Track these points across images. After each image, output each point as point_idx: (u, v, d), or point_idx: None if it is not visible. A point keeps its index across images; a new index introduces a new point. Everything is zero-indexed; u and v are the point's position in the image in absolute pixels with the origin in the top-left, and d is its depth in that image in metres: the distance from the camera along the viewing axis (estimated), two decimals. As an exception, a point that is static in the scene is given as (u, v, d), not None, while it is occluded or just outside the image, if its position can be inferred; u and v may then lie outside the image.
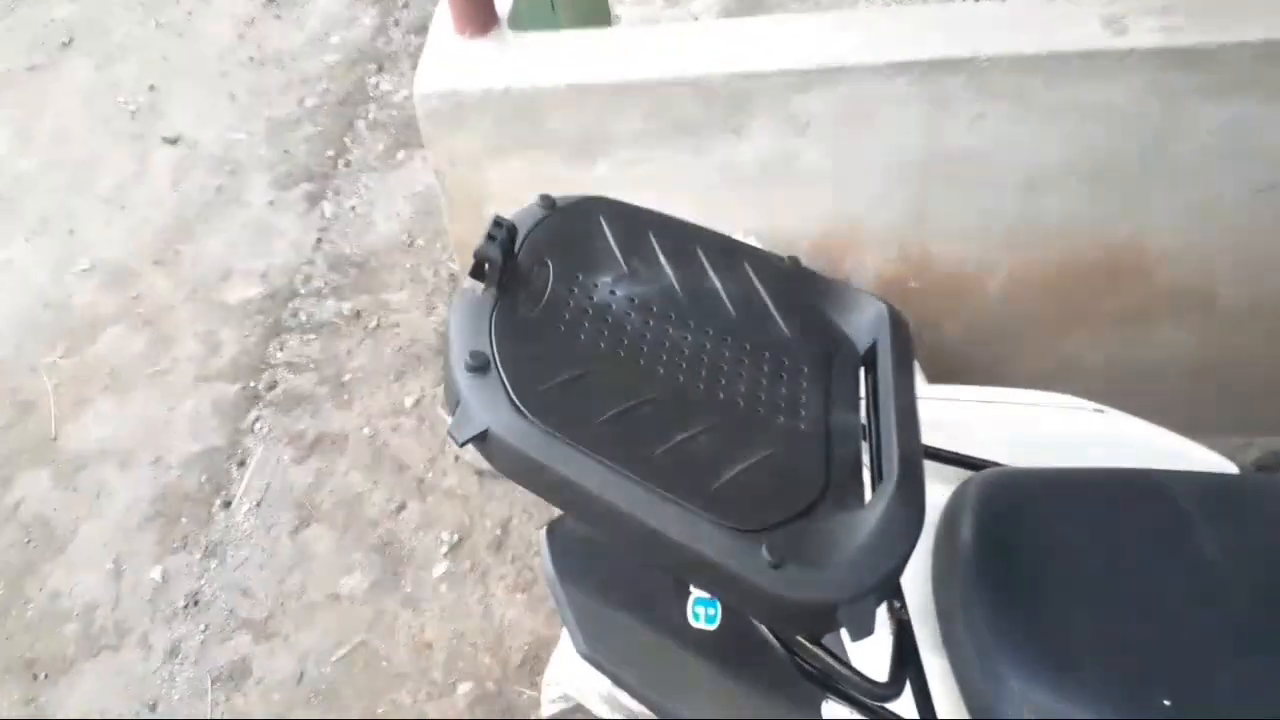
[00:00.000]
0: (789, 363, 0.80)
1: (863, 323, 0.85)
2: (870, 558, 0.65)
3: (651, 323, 0.79)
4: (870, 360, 0.83)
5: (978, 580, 0.84)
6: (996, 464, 1.00)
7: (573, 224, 0.85)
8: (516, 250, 0.79)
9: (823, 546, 0.65)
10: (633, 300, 0.80)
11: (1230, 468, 1.02)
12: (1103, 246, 1.58)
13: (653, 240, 0.85)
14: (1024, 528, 0.88)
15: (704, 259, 0.85)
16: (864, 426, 0.78)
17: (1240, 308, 1.61)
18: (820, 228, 1.59)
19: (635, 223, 0.86)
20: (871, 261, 1.63)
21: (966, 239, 1.59)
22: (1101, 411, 1.21)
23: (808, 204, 1.56)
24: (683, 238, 0.86)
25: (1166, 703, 0.74)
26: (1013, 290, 1.64)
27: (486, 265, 0.76)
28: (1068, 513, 0.90)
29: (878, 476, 0.72)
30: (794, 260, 0.89)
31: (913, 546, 0.67)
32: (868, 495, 0.71)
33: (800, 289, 0.86)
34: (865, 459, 0.76)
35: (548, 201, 0.86)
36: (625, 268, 0.82)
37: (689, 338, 0.79)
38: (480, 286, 0.77)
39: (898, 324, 0.83)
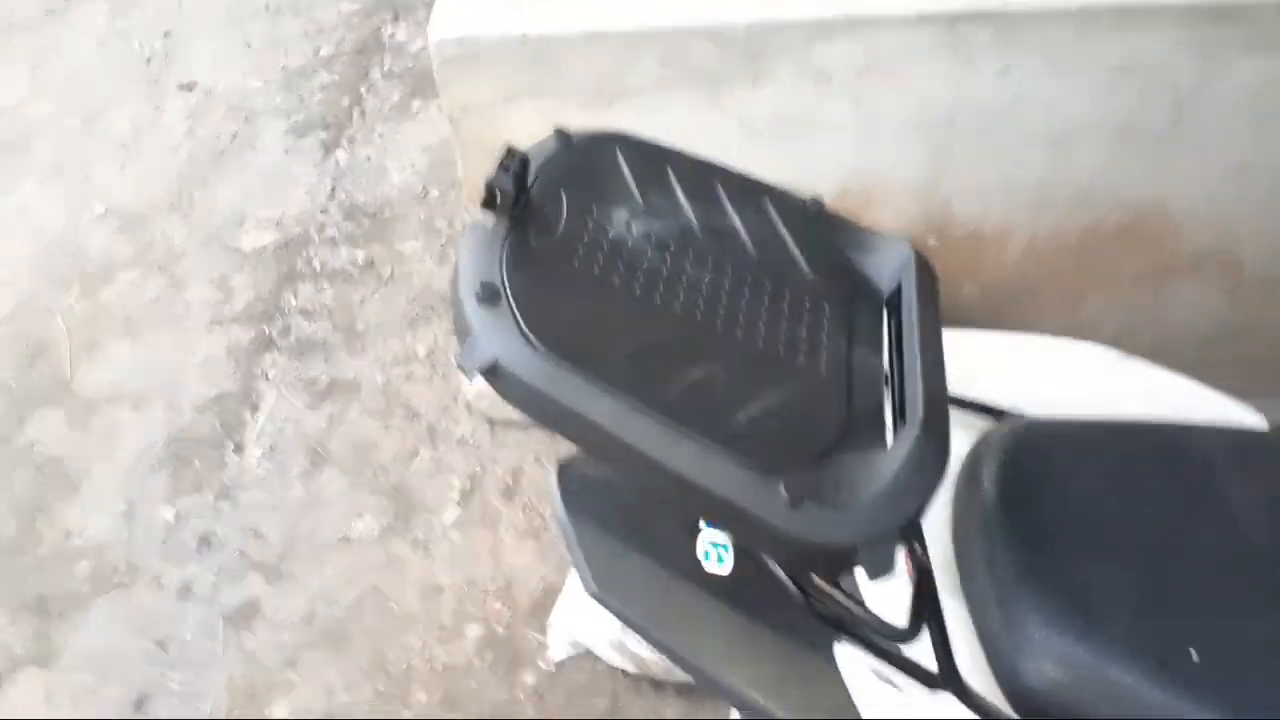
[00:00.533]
0: (810, 303, 0.78)
1: (887, 266, 0.83)
2: (891, 498, 0.64)
3: (669, 259, 0.78)
4: (894, 303, 0.81)
5: (1001, 530, 0.84)
6: (1017, 411, 1.00)
7: (589, 158, 0.84)
8: (530, 183, 0.78)
9: (842, 487, 0.64)
10: (650, 236, 0.79)
11: (1260, 422, 1.01)
12: (1126, 208, 1.56)
13: (671, 177, 0.83)
14: (1049, 479, 0.87)
15: (724, 197, 0.84)
16: (887, 370, 0.77)
17: (1264, 273, 1.60)
18: (839, 182, 1.57)
19: (653, 159, 0.85)
20: (890, 218, 1.61)
21: (988, 198, 1.57)
22: (1125, 359, 1.20)
23: (826, 158, 1.54)
24: (702, 175, 0.85)
25: (1194, 656, 0.73)
26: (1033, 251, 1.63)
27: (498, 196, 0.74)
28: (1094, 464, 0.89)
29: (900, 419, 0.71)
30: (817, 201, 0.87)
31: (935, 488, 0.66)
32: (890, 438, 0.70)
33: (823, 230, 0.85)
34: (888, 402, 0.75)
35: (563, 136, 0.84)
36: (642, 204, 0.81)
37: (707, 276, 0.78)
38: (492, 218, 0.76)
39: (924, 268, 0.82)
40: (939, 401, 0.70)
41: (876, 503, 0.63)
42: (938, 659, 0.80)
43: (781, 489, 0.63)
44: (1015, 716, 0.78)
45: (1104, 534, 0.82)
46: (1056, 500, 0.85)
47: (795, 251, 0.81)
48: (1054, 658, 0.75)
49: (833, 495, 0.64)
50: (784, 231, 0.82)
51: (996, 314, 1.73)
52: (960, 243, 1.62)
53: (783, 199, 0.85)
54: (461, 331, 0.70)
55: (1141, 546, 0.81)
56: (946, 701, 0.79)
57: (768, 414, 0.68)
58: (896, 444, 0.68)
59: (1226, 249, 1.59)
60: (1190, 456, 0.88)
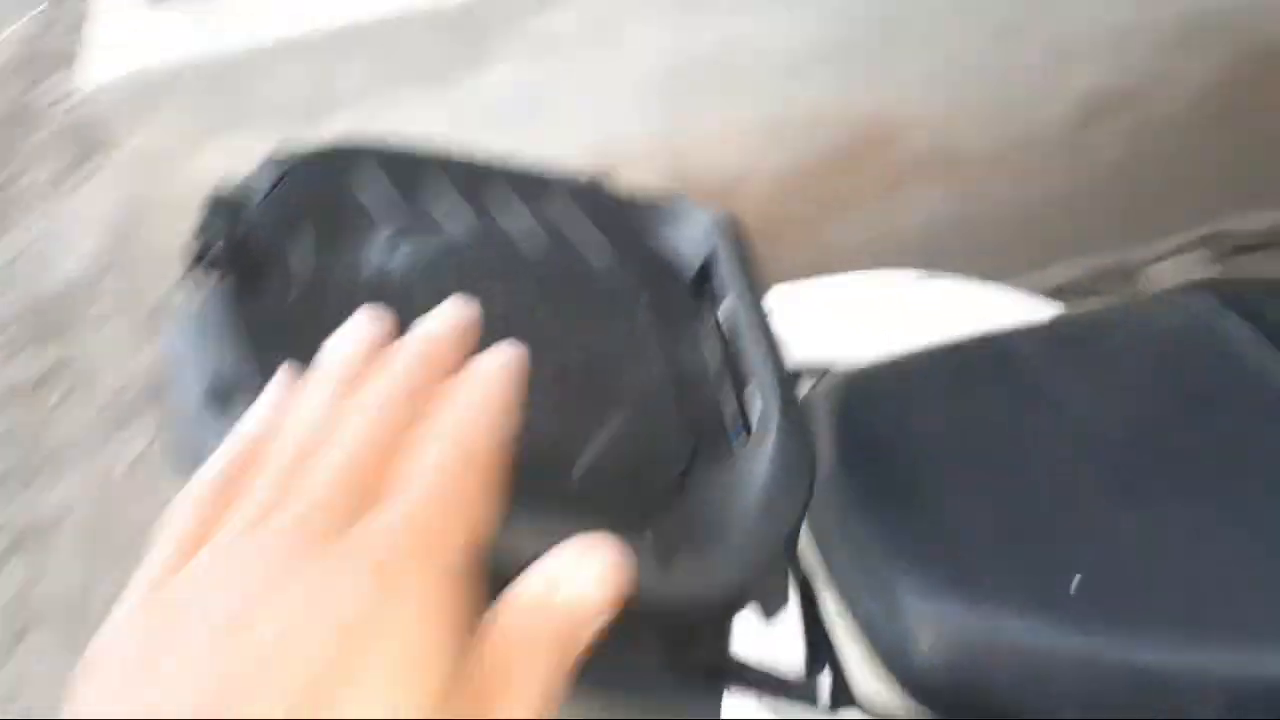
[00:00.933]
0: (614, 303, 0.64)
1: (691, 238, 0.69)
2: (768, 516, 0.51)
3: (443, 288, 0.58)
4: (704, 280, 0.69)
5: (849, 500, 0.75)
6: (831, 365, 0.92)
7: (324, 178, 0.64)
8: (248, 230, 0.59)
9: (712, 520, 0.51)
10: (416, 262, 0.62)
11: (1053, 308, 1.00)
12: (854, 127, 1.59)
13: (430, 183, 0.67)
14: (882, 430, 0.80)
15: (497, 196, 0.68)
16: (716, 364, 0.65)
17: (985, 157, 1.69)
18: (580, 153, 1.49)
19: (403, 165, 0.67)
20: (636, 180, 1.55)
21: (725, 142, 1.55)
22: (925, 278, 1.19)
23: (564, 131, 1.45)
24: (467, 174, 0.69)
25: (1077, 577, 0.67)
26: (773, 186, 1.63)
27: (210, 256, 0.56)
28: (921, 402, 0.82)
29: (742, 418, 0.60)
30: (595, 180, 0.73)
31: (810, 489, 0.54)
32: (737, 444, 0.58)
33: (612, 213, 0.70)
34: (725, 403, 0.63)
35: (280, 162, 0.64)
36: (401, 223, 0.64)
37: (495, 298, 0.60)
38: (207, 286, 0.57)
39: (732, 231, 0.69)
40: (788, 387, 0.58)
41: (755, 526, 0.51)
42: (833, 679, 0.69)
43: (646, 548, 0.48)
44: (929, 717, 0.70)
45: (953, 473, 0.76)
46: (896, 452, 0.78)
47: (587, 245, 0.67)
48: (939, 630, 0.67)
49: (705, 533, 0.50)
50: (572, 224, 0.68)
51: (755, 257, 1.73)
52: (706, 192, 1.59)
53: (564, 186, 0.72)
54: (189, 449, 0.50)
55: (993, 474, 0.75)
56: None
57: (604, 456, 0.55)
58: (751, 449, 0.55)
59: (949, 143, 1.66)
60: (1011, 364, 0.82)
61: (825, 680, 0.68)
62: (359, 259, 0.58)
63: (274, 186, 0.62)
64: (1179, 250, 1.91)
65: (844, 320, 1.11)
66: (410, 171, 0.66)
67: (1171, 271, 1.89)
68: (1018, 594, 0.66)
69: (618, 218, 0.69)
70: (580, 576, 0.32)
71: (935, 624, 0.67)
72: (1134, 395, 0.79)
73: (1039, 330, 0.86)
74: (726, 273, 0.64)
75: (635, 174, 1.55)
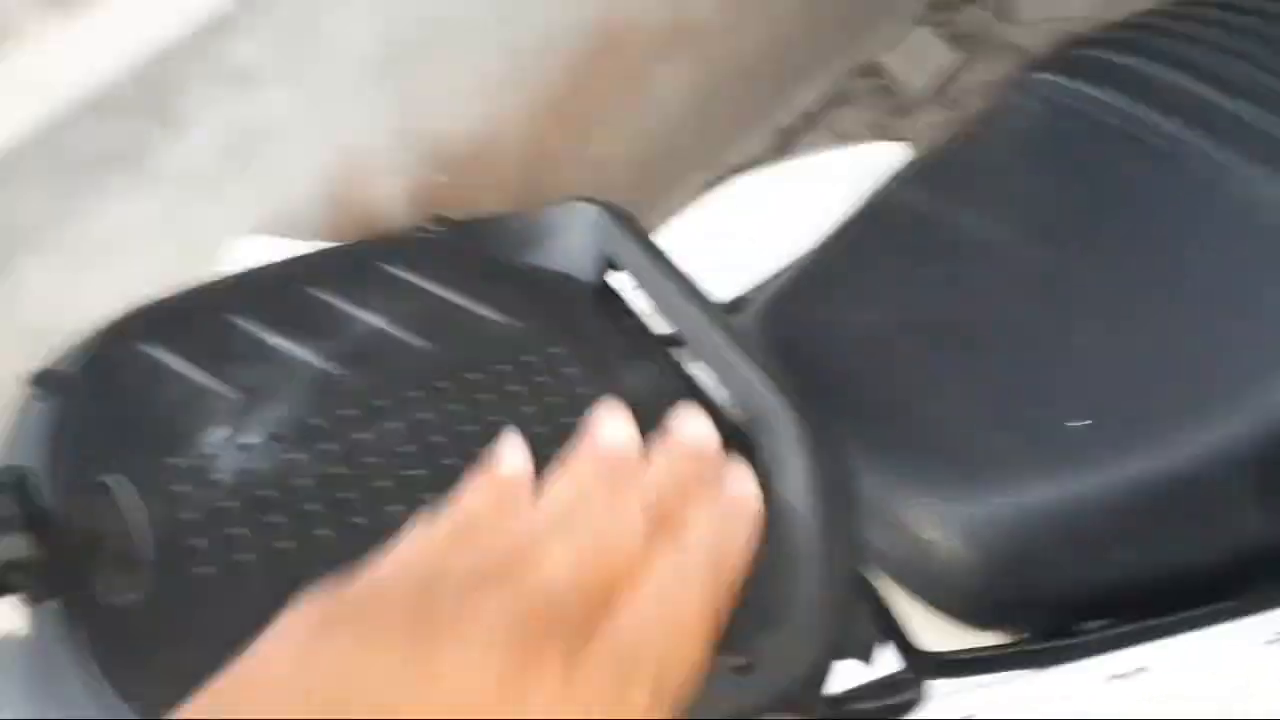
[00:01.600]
0: (537, 365, 0.49)
1: (581, 246, 0.56)
2: (831, 565, 0.40)
3: (330, 448, 0.43)
4: (605, 290, 0.56)
5: None
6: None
7: (116, 391, 0.46)
8: (44, 505, 0.40)
9: (766, 587, 0.38)
10: (279, 443, 0.43)
11: (905, 149, 0.87)
12: (586, 49, 1.45)
13: (248, 328, 0.48)
14: (820, 343, 0.70)
15: (339, 303, 0.52)
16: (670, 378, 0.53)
17: (714, 27, 1.59)
18: (325, 167, 1.28)
19: (207, 320, 0.49)
20: (401, 184, 1.36)
21: (469, 110, 1.38)
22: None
23: (298, 165, 1.24)
24: (289, 297, 0.50)
25: (1079, 423, 0.60)
26: (528, 139, 1.47)
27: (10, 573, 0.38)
28: (843, 299, 0.71)
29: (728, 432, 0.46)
30: (440, 219, 0.57)
31: (855, 489, 0.44)
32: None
33: (473, 255, 0.55)
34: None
35: (50, 379, 0.45)
36: (235, 398, 0.45)
37: (400, 425, 0.44)
38: (27, 612, 0.38)
39: (620, 220, 0.56)
40: (782, 380, 0.47)
41: (820, 583, 0.40)
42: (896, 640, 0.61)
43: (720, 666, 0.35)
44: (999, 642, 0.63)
45: (902, 359, 0.67)
46: (840, 361, 0.68)
47: (472, 306, 0.52)
48: (957, 529, 0.58)
49: (771, 614, 0.38)
50: (440, 291, 0.53)
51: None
52: (468, 167, 1.42)
53: (407, 250, 0.56)
54: None
55: (938, 343, 0.66)
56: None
57: None
58: (780, 460, 0.43)
59: (679, 22, 1.55)
60: (904, 224, 0.74)
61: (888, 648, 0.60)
62: (200, 476, 0.41)
63: (58, 433, 0.44)
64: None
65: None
66: (214, 321, 0.48)
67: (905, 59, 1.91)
68: (1015, 456, 0.58)
69: (493, 253, 0.54)
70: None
71: (951, 525, 0.58)
72: (1031, 205, 0.71)
73: (910, 179, 0.77)
74: (634, 266, 0.52)
75: (395, 174, 1.36)
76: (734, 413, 0.46)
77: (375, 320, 0.47)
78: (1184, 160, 0.67)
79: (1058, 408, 0.59)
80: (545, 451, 0.36)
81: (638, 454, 0.35)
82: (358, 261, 0.51)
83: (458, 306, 0.49)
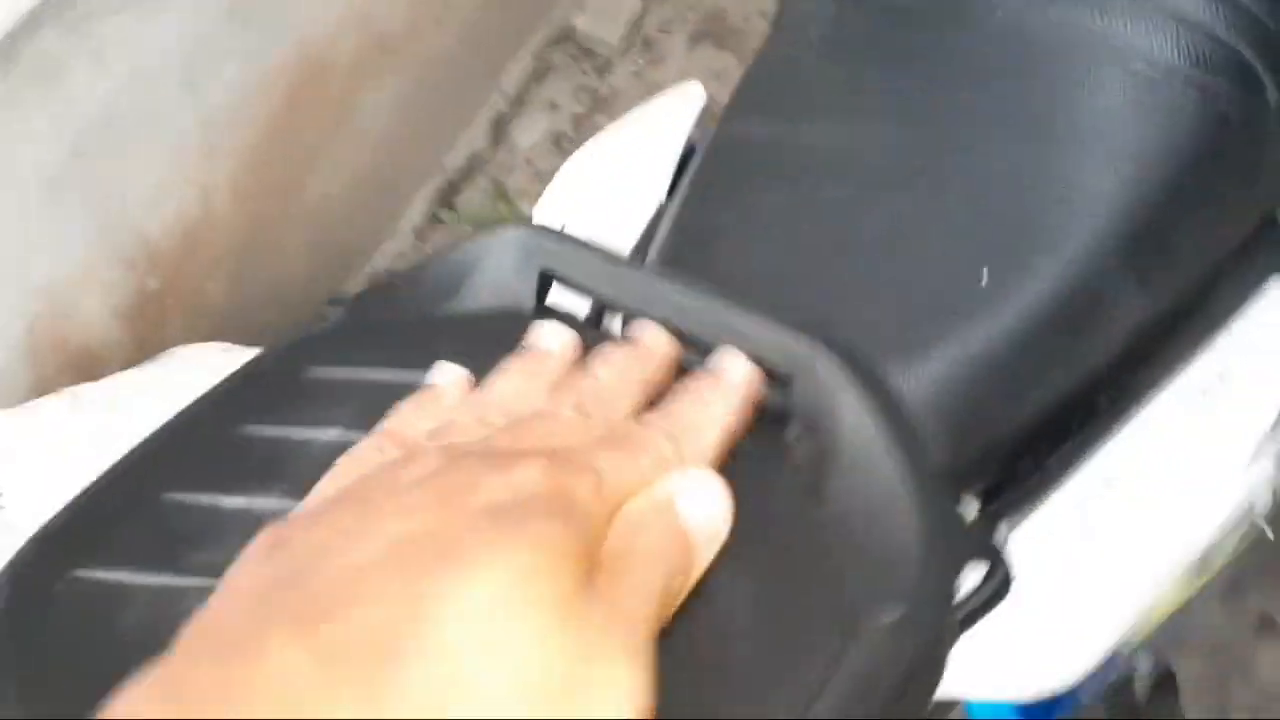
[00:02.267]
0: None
1: (508, 274, 0.46)
2: (921, 482, 0.36)
3: None
4: (547, 313, 0.47)
5: None
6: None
7: (64, 644, 0.35)
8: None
9: (873, 532, 0.35)
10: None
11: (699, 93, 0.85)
12: (283, 95, 1.27)
13: (192, 500, 0.38)
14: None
15: (281, 432, 0.40)
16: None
17: (403, 31, 1.46)
18: (17, 335, 1.07)
19: (137, 513, 0.38)
20: (113, 306, 1.16)
21: (171, 197, 1.18)
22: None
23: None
24: (223, 447, 0.40)
25: (985, 270, 0.61)
26: (239, 208, 1.28)
27: None
28: (717, 233, 0.70)
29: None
30: (338, 300, 0.50)
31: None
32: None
33: (403, 315, 0.47)
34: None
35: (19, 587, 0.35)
36: (213, 583, 0.36)
37: None
38: None
39: (552, 234, 0.48)
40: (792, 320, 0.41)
41: (914, 490, 0.35)
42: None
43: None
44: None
45: (781, 296, 0.63)
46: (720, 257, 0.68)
47: (419, 382, 0.44)
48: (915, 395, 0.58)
49: (882, 548, 0.35)
50: (382, 376, 0.43)
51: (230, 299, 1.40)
52: (181, 259, 1.23)
53: (316, 347, 0.46)
54: None
55: (808, 262, 0.65)
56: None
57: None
58: (829, 397, 0.38)
59: (374, 42, 1.40)
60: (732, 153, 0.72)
61: None
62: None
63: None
64: None
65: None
66: (146, 529, 0.38)
67: None
68: (935, 323, 0.59)
69: (399, 339, 0.46)
70: (701, 497, 0.31)
71: (909, 395, 0.58)
72: (854, 99, 0.70)
73: (738, 113, 0.74)
74: (584, 270, 0.45)
75: (93, 291, 1.15)
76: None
77: (329, 434, 0.39)
78: (967, 10, 0.68)
79: (960, 267, 0.60)
80: None
81: (572, 356, 0.37)
82: (278, 379, 0.43)
83: (401, 384, 0.40)
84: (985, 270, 0.58)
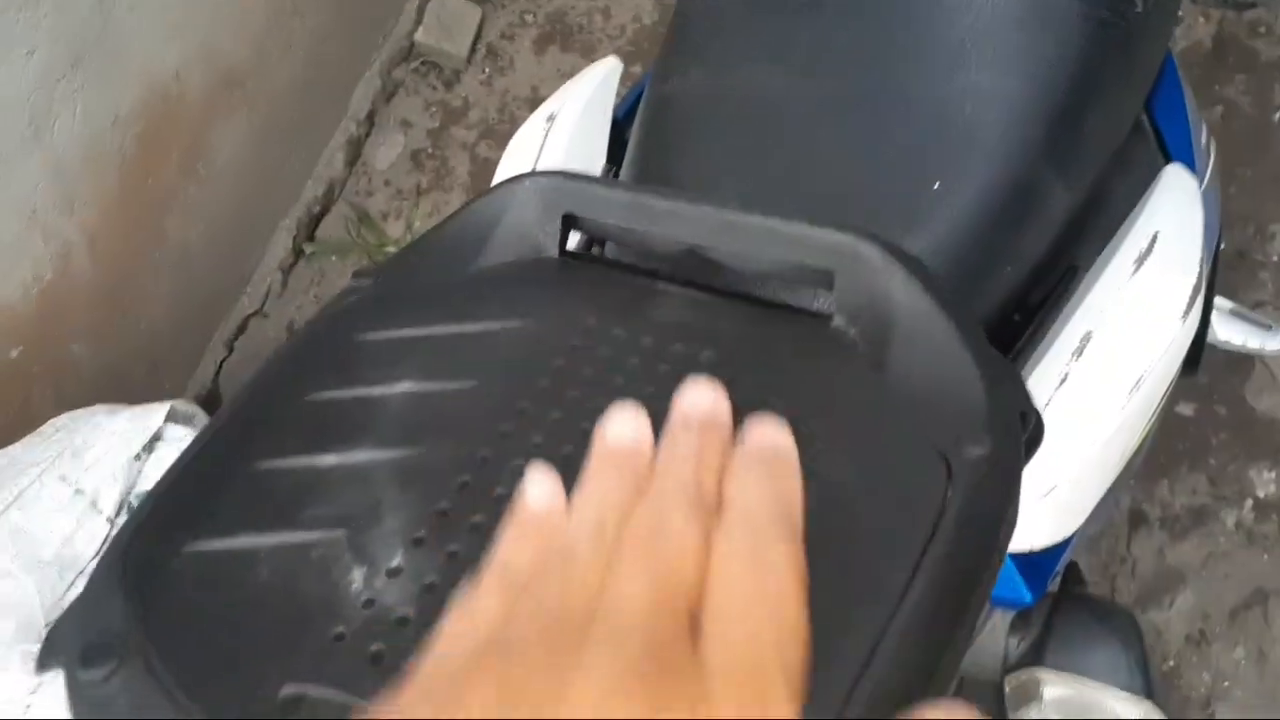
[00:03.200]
0: (587, 344, 0.42)
1: (530, 223, 0.47)
2: (977, 345, 0.39)
3: (472, 520, 0.38)
4: (574, 255, 0.50)
5: None
6: None
7: (194, 619, 0.35)
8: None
9: (949, 391, 0.38)
10: (420, 545, 0.35)
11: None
12: (135, 140, 1.21)
13: (286, 465, 0.38)
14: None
15: (352, 393, 0.41)
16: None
17: (247, 68, 1.40)
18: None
19: (235, 483, 0.38)
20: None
21: (24, 258, 1.10)
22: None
23: None
24: (300, 414, 0.40)
25: (937, 183, 0.68)
26: (98, 264, 1.21)
27: None
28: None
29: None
30: (363, 271, 0.47)
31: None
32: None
33: (435, 274, 0.48)
34: None
35: (98, 650, 0.32)
36: (339, 536, 0.36)
37: (506, 467, 0.38)
38: None
39: (573, 176, 0.49)
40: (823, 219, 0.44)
41: (975, 353, 0.39)
42: None
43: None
44: None
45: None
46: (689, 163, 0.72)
47: (473, 330, 0.43)
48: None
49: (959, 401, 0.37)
50: (433, 330, 0.42)
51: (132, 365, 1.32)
52: (42, 323, 1.15)
53: (360, 314, 0.44)
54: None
55: (772, 195, 0.70)
56: None
57: None
58: (877, 282, 0.41)
59: (221, 73, 1.34)
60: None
61: None
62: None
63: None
64: None
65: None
66: (249, 497, 0.37)
67: None
68: (904, 220, 0.65)
69: (437, 295, 0.46)
70: None
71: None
72: (783, 39, 0.75)
73: (673, 69, 0.77)
74: (612, 204, 0.46)
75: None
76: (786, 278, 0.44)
77: (401, 388, 0.39)
78: None
79: (911, 177, 0.65)
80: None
81: (649, 446, 0.32)
82: (332, 349, 0.42)
83: (461, 335, 0.41)
84: (938, 182, 0.64)
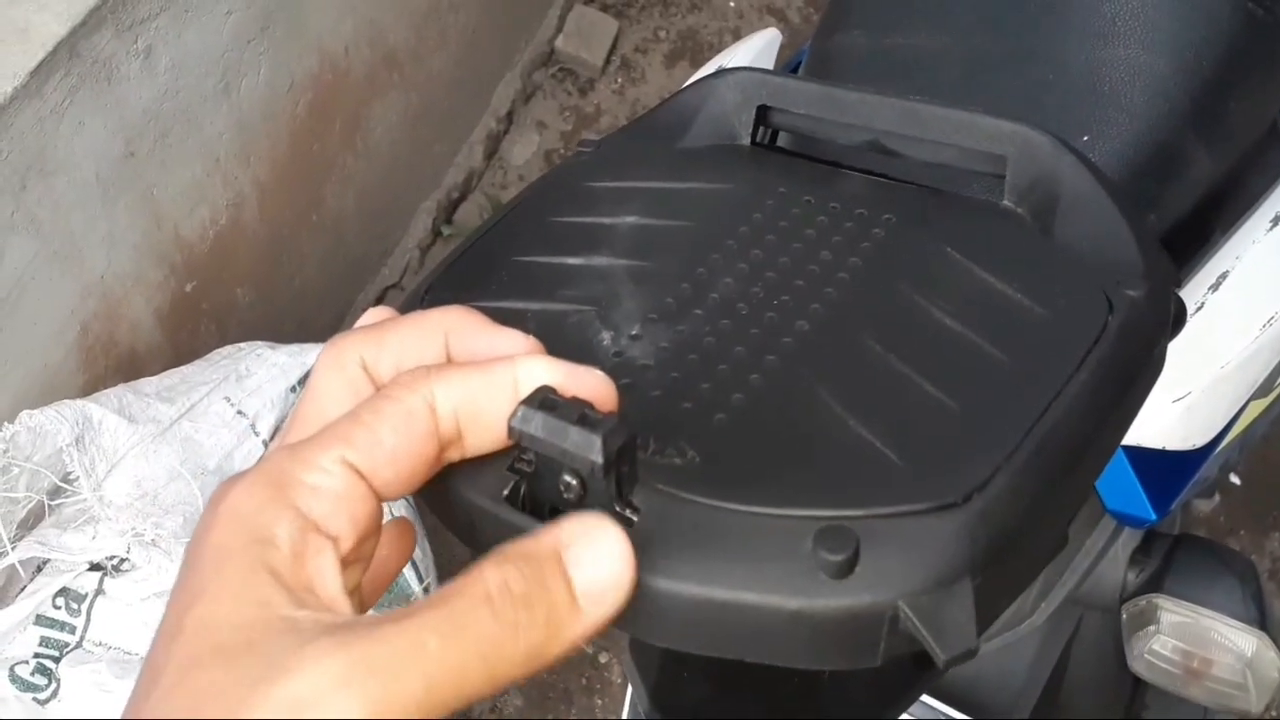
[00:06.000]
0: (811, 203, 0.47)
1: (727, 114, 0.52)
2: (1139, 224, 0.45)
3: (699, 310, 0.42)
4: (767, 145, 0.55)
5: None
6: None
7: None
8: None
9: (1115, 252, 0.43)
10: (658, 320, 0.41)
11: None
12: (305, 107, 1.31)
13: (541, 261, 0.45)
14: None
15: (588, 219, 0.47)
16: None
17: (409, 48, 1.51)
18: (70, 334, 1.08)
19: (499, 265, 0.45)
20: (152, 308, 1.17)
21: (207, 199, 1.21)
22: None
23: (47, 324, 1.03)
24: (547, 229, 0.47)
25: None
26: (264, 216, 1.32)
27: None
28: None
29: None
30: (586, 141, 0.52)
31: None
32: None
33: (647, 143, 0.54)
34: None
35: None
36: (589, 309, 0.42)
37: (732, 284, 0.43)
38: None
39: (766, 72, 0.54)
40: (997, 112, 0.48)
41: (1136, 230, 0.44)
42: None
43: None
44: None
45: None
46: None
47: (694, 186, 0.48)
48: None
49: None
50: (655, 184, 0.49)
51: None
52: (212, 262, 1.25)
53: (589, 167, 0.51)
54: None
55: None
56: None
57: None
58: (1053, 168, 0.46)
59: (382, 53, 1.45)
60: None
61: None
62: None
63: None
64: None
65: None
66: (513, 277, 0.45)
67: None
68: None
69: (654, 156, 0.52)
70: (600, 551, 0.28)
71: None
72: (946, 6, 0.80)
73: (842, 24, 0.83)
74: (802, 96, 0.50)
75: (136, 292, 1.16)
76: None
77: (629, 219, 0.46)
78: None
79: (1067, 128, 0.66)
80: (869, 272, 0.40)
81: None
82: (569, 190, 0.49)
83: (674, 189, 0.48)
84: (1086, 136, 0.68)
